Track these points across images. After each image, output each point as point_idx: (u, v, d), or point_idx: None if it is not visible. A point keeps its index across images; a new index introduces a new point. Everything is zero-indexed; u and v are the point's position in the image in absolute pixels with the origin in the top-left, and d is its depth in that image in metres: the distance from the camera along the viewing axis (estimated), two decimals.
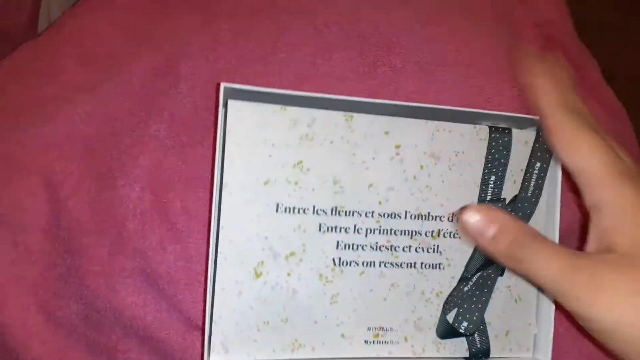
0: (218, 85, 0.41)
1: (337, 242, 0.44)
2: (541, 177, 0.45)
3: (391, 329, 0.45)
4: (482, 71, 0.54)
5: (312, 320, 0.44)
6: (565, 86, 0.37)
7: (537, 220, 0.47)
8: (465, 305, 0.46)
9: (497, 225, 0.35)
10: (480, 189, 0.46)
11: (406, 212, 0.45)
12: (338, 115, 0.43)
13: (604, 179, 0.35)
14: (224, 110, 0.42)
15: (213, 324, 0.42)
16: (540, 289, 0.47)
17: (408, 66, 0.53)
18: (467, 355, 0.46)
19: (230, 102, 0.42)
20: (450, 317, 0.46)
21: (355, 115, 0.43)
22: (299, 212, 0.43)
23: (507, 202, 0.46)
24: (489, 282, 0.46)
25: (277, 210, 0.43)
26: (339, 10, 0.55)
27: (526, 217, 0.45)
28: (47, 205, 0.48)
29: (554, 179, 0.46)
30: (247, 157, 0.42)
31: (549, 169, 0.46)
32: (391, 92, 0.52)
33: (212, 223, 0.41)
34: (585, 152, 0.35)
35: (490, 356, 0.47)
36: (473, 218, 0.35)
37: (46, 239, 0.47)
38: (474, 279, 0.46)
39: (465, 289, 0.45)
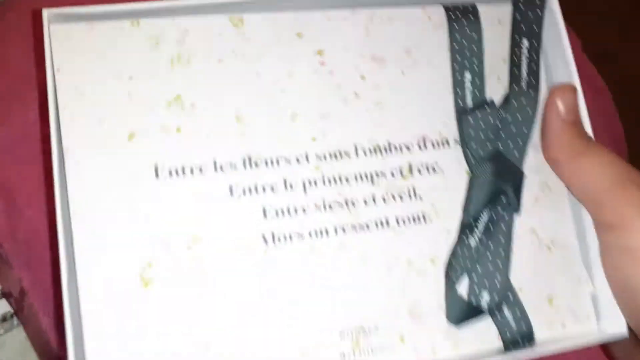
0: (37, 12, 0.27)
1: (264, 209, 0.28)
2: (534, 60, 0.31)
3: (376, 328, 0.29)
4: None
5: (249, 335, 0.27)
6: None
7: None
8: (479, 268, 0.30)
9: None
10: (454, 94, 0.31)
11: (355, 146, 0.30)
12: (220, 21, 0.29)
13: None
14: (49, 44, 0.27)
15: None
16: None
17: None
18: (500, 344, 0.30)
19: (54, 28, 0.27)
20: (462, 292, 0.30)
21: (246, 16, 0.29)
22: (191, 172, 0.28)
23: (496, 104, 0.31)
24: (503, 227, 0.31)
25: (157, 176, 0.28)
26: None
27: (528, 118, 0.31)
28: (4, 216, 0.42)
29: (558, 54, 0.32)
30: (94, 104, 0.27)
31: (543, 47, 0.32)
32: None
33: (57, 215, 0.26)
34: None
35: (537, 338, 0.31)
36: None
37: (8, 253, 0.42)
38: (480, 225, 0.30)
39: (472, 242, 0.30)
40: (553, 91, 0.31)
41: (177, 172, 0.28)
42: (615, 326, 0.31)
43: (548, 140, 0.31)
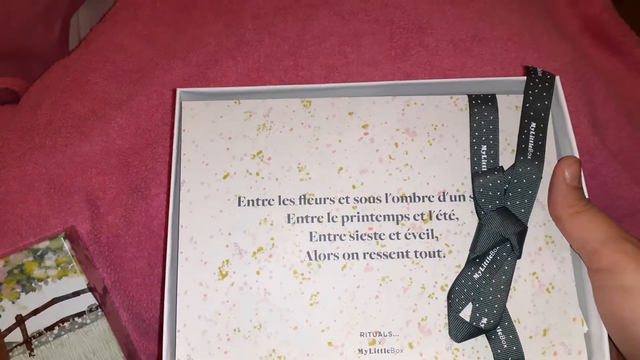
0: (174, 91, 0.41)
1: (310, 234, 0.39)
2: (540, 138, 0.39)
3: (390, 334, 0.37)
4: (521, 44, 0.51)
5: (291, 325, 0.37)
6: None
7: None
8: (481, 298, 0.37)
9: None
10: (471, 161, 0.40)
11: (386, 194, 0.39)
12: (295, 102, 0.41)
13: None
14: (179, 112, 0.41)
15: (177, 334, 0.37)
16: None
17: (442, 44, 0.51)
18: None
19: (185, 104, 0.41)
20: (465, 316, 0.37)
21: (314, 100, 0.41)
22: (263, 204, 0.39)
23: (506, 170, 0.39)
24: (506, 267, 0.37)
25: (239, 204, 0.39)
26: None
27: (532, 182, 0.38)
28: (90, 222, 0.47)
29: (564, 134, 0.40)
30: (204, 153, 0.40)
31: (550, 129, 0.40)
32: (426, 71, 0.50)
33: (169, 222, 0.38)
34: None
35: None
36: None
37: (92, 255, 0.47)
38: (485, 264, 0.37)
39: (476, 276, 0.37)
40: (561, 161, 0.39)
41: (253, 203, 0.39)
42: None
43: (555, 200, 0.38)
